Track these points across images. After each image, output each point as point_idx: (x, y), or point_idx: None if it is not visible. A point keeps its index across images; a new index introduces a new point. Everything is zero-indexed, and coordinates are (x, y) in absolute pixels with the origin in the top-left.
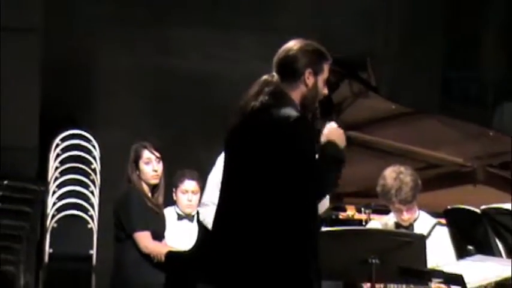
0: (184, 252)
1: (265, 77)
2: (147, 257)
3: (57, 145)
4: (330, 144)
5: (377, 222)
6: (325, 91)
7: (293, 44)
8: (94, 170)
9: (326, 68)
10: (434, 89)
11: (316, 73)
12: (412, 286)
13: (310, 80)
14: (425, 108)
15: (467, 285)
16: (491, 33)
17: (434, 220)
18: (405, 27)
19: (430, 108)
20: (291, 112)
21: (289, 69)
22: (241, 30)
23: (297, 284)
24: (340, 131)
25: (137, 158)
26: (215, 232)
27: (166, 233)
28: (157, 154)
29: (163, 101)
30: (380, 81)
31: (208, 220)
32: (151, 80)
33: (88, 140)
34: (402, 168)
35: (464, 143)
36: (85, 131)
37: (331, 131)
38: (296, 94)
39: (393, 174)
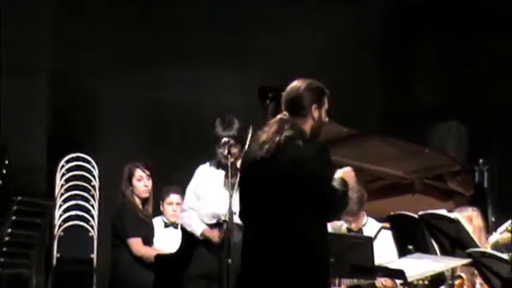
0: (171, 254)
1: (279, 116)
2: (139, 259)
3: (63, 166)
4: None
5: (330, 227)
6: (326, 119)
7: (299, 85)
8: (94, 187)
9: (326, 100)
10: (376, 116)
11: (319, 107)
12: (362, 280)
13: (316, 113)
14: (370, 131)
15: (408, 279)
16: (421, 68)
17: (380, 224)
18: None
19: (374, 132)
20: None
21: (299, 107)
22: (219, 69)
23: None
24: (352, 174)
25: (131, 175)
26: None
27: (155, 239)
28: (148, 172)
29: (153, 129)
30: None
31: (185, 222)
32: (143, 112)
33: (88, 162)
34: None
35: (403, 159)
36: (86, 154)
37: (346, 172)
38: (306, 126)
39: None
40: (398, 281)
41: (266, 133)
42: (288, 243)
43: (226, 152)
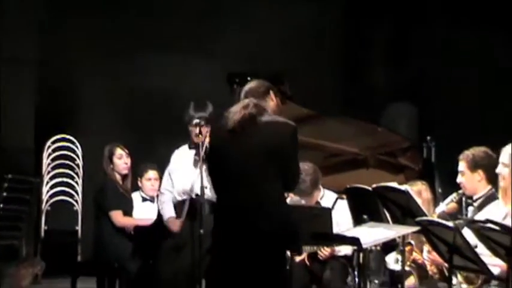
0: (148, 226)
1: (246, 100)
2: (119, 230)
3: (49, 146)
4: None
5: (291, 199)
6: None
7: (257, 82)
8: (78, 165)
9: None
10: (335, 98)
11: (274, 95)
12: (321, 247)
13: (274, 99)
14: (328, 112)
15: (363, 245)
16: (376, 54)
17: (335, 195)
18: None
19: (331, 112)
20: (284, 126)
21: (260, 93)
22: (189, 56)
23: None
24: None
25: (111, 154)
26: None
27: (134, 212)
28: (127, 151)
29: (131, 112)
30: (294, 92)
31: (160, 204)
32: (121, 96)
33: (72, 142)
34: (306, 167)
35: (358, 137)
36: (70, 136)
37: None
38: (268, 107)
39: None
40: (337, 248)
41: (237, 111)
42: (264, 211)
43: (197, 130)
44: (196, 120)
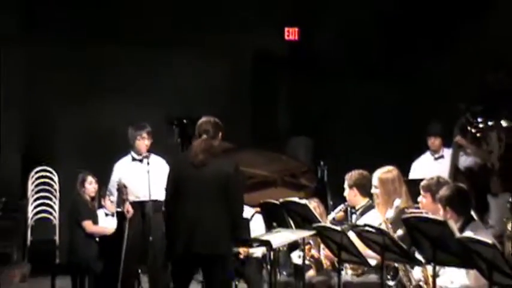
0: (111, 234)
1: (203, 137)
2: (88, 236)
3: (32, 176)
4: None
5: None
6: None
7: (207, 119)
8: (55, 189)
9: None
10: (249, 134)
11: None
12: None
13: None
14: (244, 145)
15: (273, 246)
16: (282, 96)
17: (253, 210)
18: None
19: (247, 145)
20: (231, 162)
21: (211, 133)
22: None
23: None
24: None
25: (83, 180)
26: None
27: (99, 224)
28: (96, 178)
29: (96, 148)
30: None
31: (113, 199)
32: (85, 134)
33: (50, 172)
34: None
35: (268, 164)
36: (49, 166)
37: None
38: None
39: None
40: (252, 250)
41: (196, 147)
42: (220, 223)
43: (148, 139)
44: (148, 129)
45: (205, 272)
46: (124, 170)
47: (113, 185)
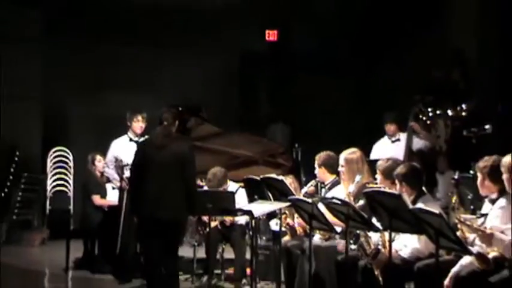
0: (115, 205)
1: (164, 124)
2: (97, 207)
3: (51, 155)
4: None
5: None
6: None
7: (167, 109)
8: (70, 167)
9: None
10: (236, 120)
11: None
12: (227, 217)
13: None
14: (231, 130)
15: (254, 215)
16: (263, 88)
17: (237, 185)
18: (220, 92)
19: (233, 130)
20: (186, 144)
21: (170, 119)
22: (142, 93)
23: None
24: None
25: (93, 159)
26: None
27: (107, 196)
28: (103, 157)
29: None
30: (209, 117)
31: (109, 172)
32: (97, 120)
33: (66, 152)
34: (218, 170)
35: (251, 145)
36: (65, 147)
37: None
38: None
39: (211, 173)
40: (236, 218)
41: (158, 133)
42: (177, 194)
43: (142, 121)
44: (143, 114)
45: (164, 234)
46: (120, 148)
47: (110, 159)
